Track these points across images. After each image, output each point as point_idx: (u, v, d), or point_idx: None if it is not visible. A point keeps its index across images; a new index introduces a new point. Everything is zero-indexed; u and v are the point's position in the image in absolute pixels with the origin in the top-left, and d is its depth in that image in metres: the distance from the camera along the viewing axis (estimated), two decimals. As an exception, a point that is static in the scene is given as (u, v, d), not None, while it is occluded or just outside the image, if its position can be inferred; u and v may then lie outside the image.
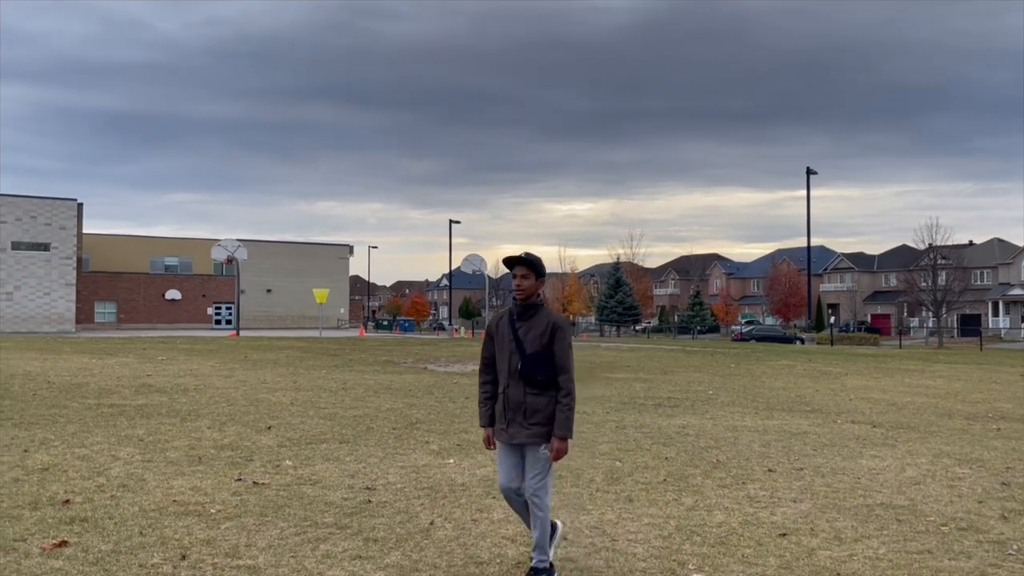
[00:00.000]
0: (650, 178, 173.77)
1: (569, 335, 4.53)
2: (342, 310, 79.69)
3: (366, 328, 74.11)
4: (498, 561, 4.92)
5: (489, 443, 4.64)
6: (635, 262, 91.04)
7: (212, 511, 5.96)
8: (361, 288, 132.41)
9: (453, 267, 73.25)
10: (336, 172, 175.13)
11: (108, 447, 8.42)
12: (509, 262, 4.58)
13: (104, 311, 66.57)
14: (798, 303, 77.50)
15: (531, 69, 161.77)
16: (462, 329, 66.03)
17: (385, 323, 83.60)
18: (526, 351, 4.45)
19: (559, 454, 4.43)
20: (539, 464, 4.45)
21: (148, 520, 5.66)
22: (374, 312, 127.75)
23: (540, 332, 4.45)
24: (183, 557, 4.86)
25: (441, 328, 78.01)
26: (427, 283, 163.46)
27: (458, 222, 71.05)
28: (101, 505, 6.05)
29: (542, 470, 4.46)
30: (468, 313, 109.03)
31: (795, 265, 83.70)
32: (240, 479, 7.04)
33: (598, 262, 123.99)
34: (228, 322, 69.74)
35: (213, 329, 65.81)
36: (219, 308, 71.47)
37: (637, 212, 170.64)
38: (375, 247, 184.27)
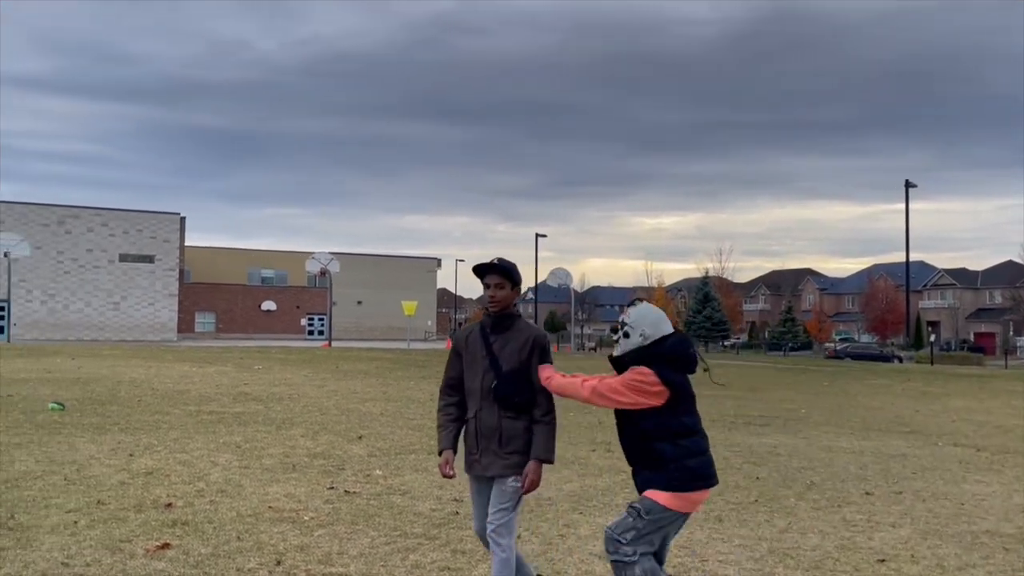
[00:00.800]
0: (740, 191, 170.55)
1: (551, 350, 4.07)
2: (429, 322, 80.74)
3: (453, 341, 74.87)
4: (585, 578, 4.90)
5: (448, 467, 3.99)
6: (724, 276, 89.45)
7: (306, 518, 6.11)
8: (448, 301, 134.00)
9: (539, 280, 73.45)
10: (424, 186, 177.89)
11: (207, 453, 8.74)
12: (479, 270, 4.02)
13: (204, 321, 69.18)
14: (896, 320, 74.73)
15: (618, 82, 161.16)
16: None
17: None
18: (502, 368, 3.90)
19: (533, 484, 3.87)
20: (506, 497, 3.87)
21: (245, 525, 5.84)
22: (460, 324, 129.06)
23: (518, 347, 3.92)
24: (278, 563, 5.00)
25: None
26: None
27: (544, 235, 71.19)
28: (201, 509, 6.28)
29: (509, 504, 3.87)
30: (553, 327, 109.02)
31: (893, 281, 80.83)
32: (332, 487, 7.20)
33: (686, 276, 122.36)
34: (320, 332, 71.51)
35: (306, 339, 67.58)
36: (312, 319, 73.41)
37: (726, 225, 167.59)
38: (462, 260, 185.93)
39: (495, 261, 4.02)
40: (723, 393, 19.43)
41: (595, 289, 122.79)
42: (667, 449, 3.75)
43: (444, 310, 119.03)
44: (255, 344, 47.52)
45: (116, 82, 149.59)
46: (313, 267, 52.43)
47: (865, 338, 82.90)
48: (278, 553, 5.19)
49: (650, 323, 3.89)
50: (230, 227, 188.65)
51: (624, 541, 3.74)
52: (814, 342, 79.70)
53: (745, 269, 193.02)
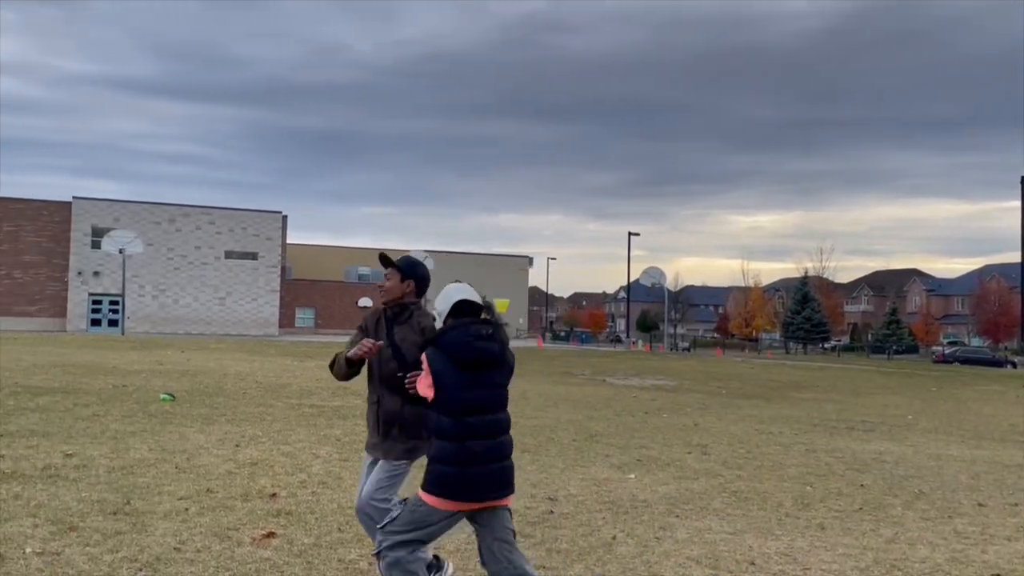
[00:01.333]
0: (842, 188, 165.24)
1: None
2: (521, 320, 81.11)
3: (544, 339, 75.01)
4: (683, 582, 4.83)
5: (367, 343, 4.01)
6: (824, 276, 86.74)
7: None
8: (539, 299, 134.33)
9: (631, 279, 72.82)
10: (516, 185, 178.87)
11: (309, 445, 8.99)
12: (380, 260, 4.29)
13: (304, 316, 71.22)
14: (1009, 323, 71.01)
15: (714, 78, 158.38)
16: (640, 342, 65.46)
17: (563, 334, 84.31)
18: (406, 358, 4.06)
19: None
20: (390, 475, 4.21)
21: (345, 517, 5.98)
22: (551, 323, 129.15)
23: (417, 339, 4.07)
24: (378, 555, 5.10)
25: (618, 341, 77.71)
26: (604, 295, 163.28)
27: (637, 234, 70.62)
28: (304, 500, 6.47)
29: (392, 483, 4.20)
30: (646, 326, 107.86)
31: (1006, 282, 76.80)
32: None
33: (784, 276, 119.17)
34: (414, 330, 72.64)
35: (400, 336, 68.77)
36: (407, 316, 74.68)
37: (827, 224, 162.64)
38: (554, 259, 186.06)
39: (382, 254, 4.26)
40: (823, 396, 18.87)
41: (688, 288, 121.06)
42: (430, 448, 3.72)
43: (535, 308, 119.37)
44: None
45: (222, 85, 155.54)
46: (408, 265, 53.36)
47: (975, 341, 79.09)
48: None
49: (441, 302, 3.83)
50: (329, 226, 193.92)
51: (388, 522, 3.83)
52: (920, 345, 76.53)
53: (847, 269, 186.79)
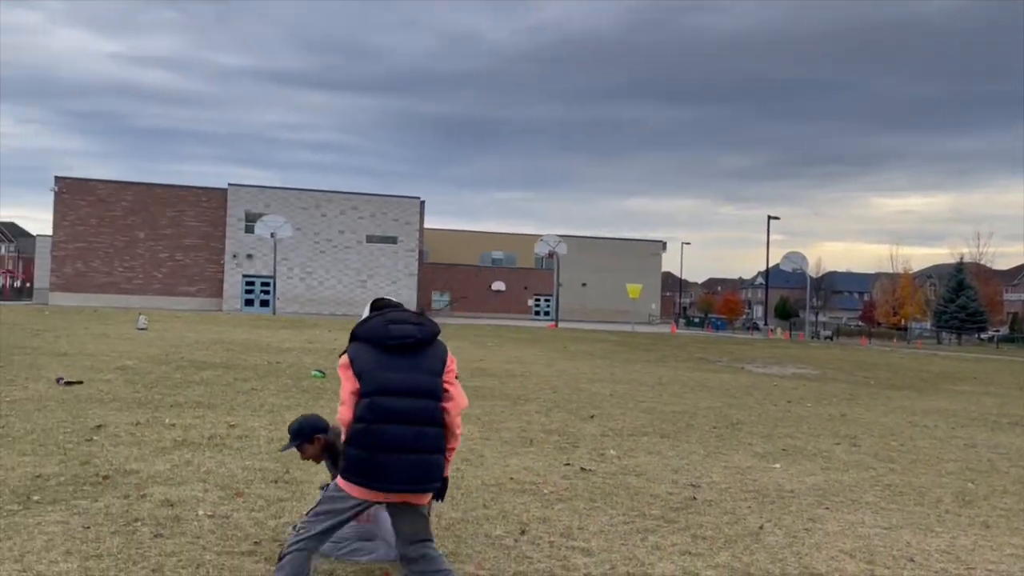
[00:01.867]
0: (999, 169, 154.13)
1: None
2: (653, 306, 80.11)
3: (677, 325, 73.88)
4: (836, 575, 4.68)
5: None
6: (981, 262, 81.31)
7: (545, 491, 6.30)
8: (672, 284, 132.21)
9: (770, 265, 70.53)
10: (648, 169, 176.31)
11: (451, 424, 9.23)
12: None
13: (439, 300, 73.01)
14: None
15: (857, 55, 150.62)
16: (778, 330, 63.40)
17: (696, 320, 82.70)
18: None
19: None
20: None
21: (490, 494, 6.12)
22: (684, 309, 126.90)
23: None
24: (522, 532, 5.20)
25: (755, 328, 75.47)
26: (740, 281, 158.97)
27: (777, 218, 68.40)
28: (450, 476, 6.65)
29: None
30: (784, 313, 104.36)
31: None
32: (569, 464, 7.37)
33: (936, 262, 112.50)
34: (546, 313, 73.18)
35: (533, 319, 69.43)
36: (538, 299, 75.25)
37: (983, 207, 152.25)
38: (688, 243, 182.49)
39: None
40: (982, 390, 17.75)
41: (831, 274, 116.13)
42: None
43: (668, 294, 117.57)
44: (486, 323, 49.51)
45: (363, 76, 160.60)
46: (542, 249, 53.71)
47: None
48: (522, 523, 5.40)
49: (363, 312, 3.84)
50: (463, 211, 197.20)
51: (301, 522, 3.70)
52: (1091, 337, 70.54)
53: (1006, 255, 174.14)
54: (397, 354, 3.57)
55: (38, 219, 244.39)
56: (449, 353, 3.78)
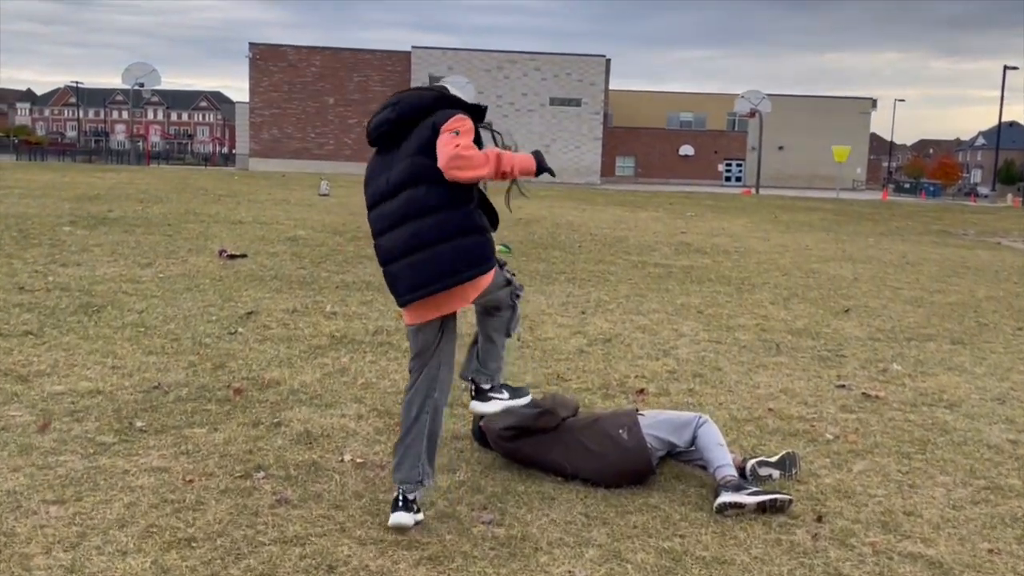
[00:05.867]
0: None
1: None
2: (859, 170, 73.45)
3: (887, 191, 67.28)
4: None
5: None
6: None
7: (826, 435, 4.36)
8: (878, 147, 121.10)
9: (1002, 120, 62.05)
10: (847, 18, 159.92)
11: (666, 317, 7.37)
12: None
13: (624, 165, 70.05)
14: None
15: None
16: (1009, 196, 56.10)
17: (907, 186, 75.17)
18: None
19: None
20: None
21: (746, 439, 4.27)
22: (890, 173, 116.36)
23: None
24: (818, 519, 3.33)
25: (976, 194, 67.35)
26: (957, 142, 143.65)
27: (1015, 67, 59.34)
28: (682, 402, 4.84)
29: None
30: (1010, 178, 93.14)
31: None
32: (843, 385, 5.35)
33: None
34: (738, 179, 68.77)
35: (723, 186, 65.32)
36: (729, 164, 70.60)
37: None
38: (902, 100, 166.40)
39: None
40: None
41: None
42: None
43: (873, 157, 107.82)
44: (674, 189, 46.59)
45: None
46: (743, 107, 49.26)
47: None
48: (812, 499, 3.53)
49: None
50: (646, 72, 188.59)
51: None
52: None
53: None
54: (383, 152, 3.20)
55: (239, 88, 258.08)
56: (451, 117, 3.03)
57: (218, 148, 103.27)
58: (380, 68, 57.03)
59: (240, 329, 6.07)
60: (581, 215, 19.31)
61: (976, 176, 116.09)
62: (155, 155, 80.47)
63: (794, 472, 3.77)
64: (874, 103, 75.85)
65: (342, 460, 3.77)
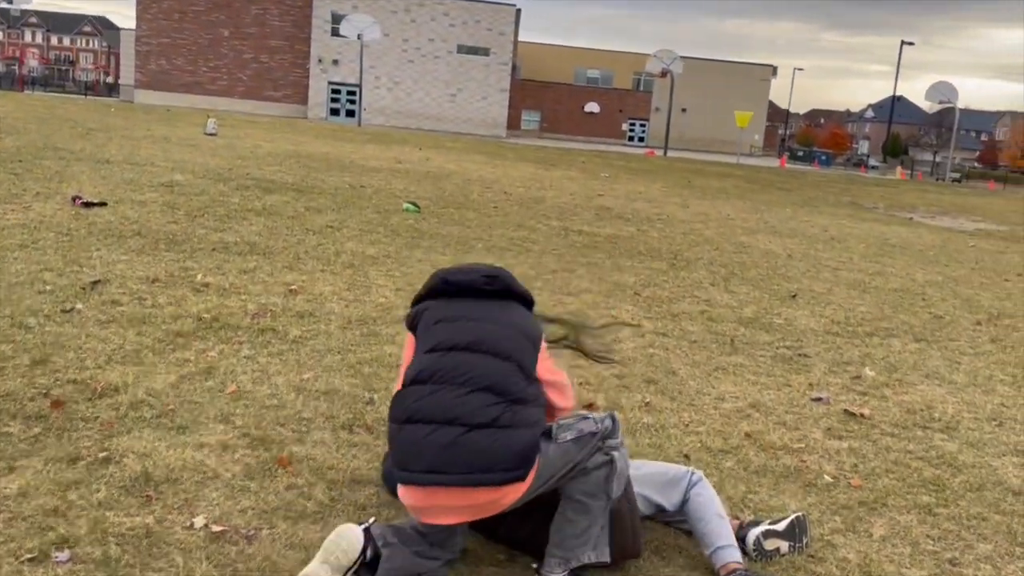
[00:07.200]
0: None
1: None
2: (757, 136, 74.62)
3: (781, 158, 68.54)
4: None
5: None
6: None
7: (824, 476, 3.49)
8: (773, 115, 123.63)
9: (896, 95, 63.82)
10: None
11: (601, 300, 6.42)
12: None
13: (529, 119, 68.85)
14: None
15: None
16: (898, 169, 57.91)
17: (800, 154, 76.85)
18: None
19: None
20: None
21: (727, 475, 3.35)
22: (783, 141, 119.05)
23: None
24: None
25: (865, 165, 69.23)
26: (847, 113, 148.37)
27: (911, 43, 60.97)
28: (637, 421, 3.90)
29: None
30: (895, 151, 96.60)
31: None
32: (818, 398, 4.52)
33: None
34: (640, 139, 68.75)
35: (626, 145, 65.15)
36: (633, 124, 70.42)
37: None
38: (801, 69, 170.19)
39: None
40: None
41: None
42: None
43: (769, 124, 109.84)
44: (581, 147, 45.87)
45: None
46: (655, 67, 48.58)
47: None
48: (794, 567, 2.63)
49: None
50: (553, 26, 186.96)
51: None
52: None
53: None
54: None
55: (127, 15, 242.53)
56: None
57: (102, 77, 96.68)
58: (279, 1, 53.88)
59: (79, 305, 4.77)
60: (493, 171, 18.19)
61: (864, 147, 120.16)
62: (31, 81, 74.31)
63: (805, 541, 2.88)
64: (774, 70, 76.93)
65: (191, 526, 2.65)
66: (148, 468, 2.98)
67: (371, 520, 2.52)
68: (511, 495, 2.36)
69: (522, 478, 2.34)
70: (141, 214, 7.89)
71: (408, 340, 2.66)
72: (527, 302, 2.74)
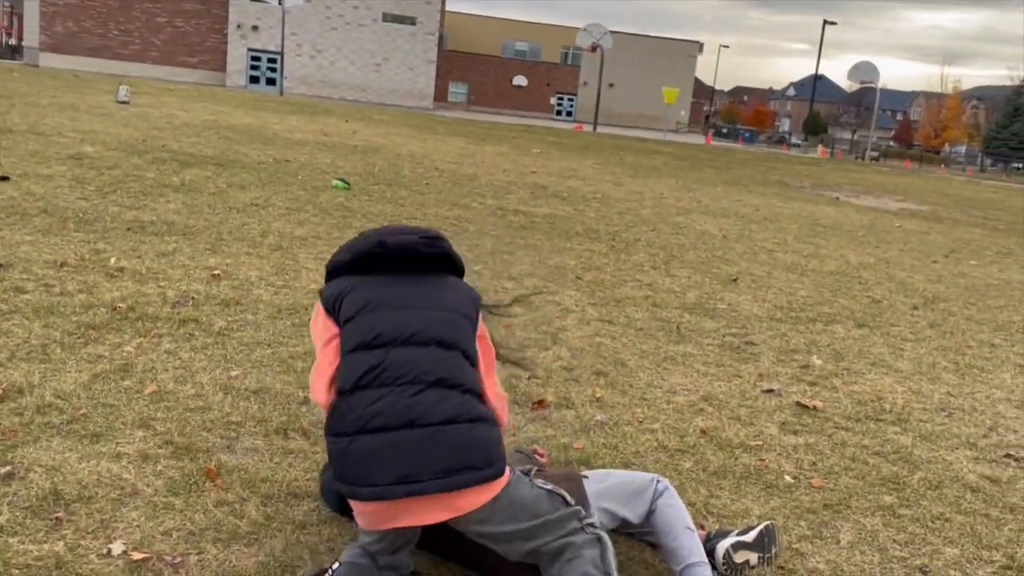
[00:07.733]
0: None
1: None
2: (683, 113, 75.45)
3: (706, 134, 69.52)
4: None
5: None
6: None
7: (784, 476, 3.37)
8: (698, 91, 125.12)
9: (818, 73, 65.24)
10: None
11: (544, 284, 6.22)
12: None
13: (456, 91, 68.07)
14: None
15: None
16: (819, 147, 59.32)
17: (724, 131, 78.07)
18: None
19: None
20: None
21: (687, 477, 3.20)
22: (708, 117, 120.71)
23: None
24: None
25: (787, 143, 70.77)
26: (770, 91, 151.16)
27: (834, 23, 62.33)
28: (588, 417, 3.71)
29: None
30: (815, 129, 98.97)
31: None
32: (769, 390, 4.42)
33: (979, 84, 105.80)
34: (568, 114, 68.72)
35: (554, 119, 65.05)
36: (561, 99, 70.34)
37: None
38: (727, 46, 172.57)
39: None
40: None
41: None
42: None
43: (695, 100, 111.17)
44: (508, 120, 45.54)
45: None
46: (584, 40, 48.33)
47: None
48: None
49: None
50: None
51: None
52: None
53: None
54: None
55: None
56: None
57: (4, 39, 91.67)
58: (196, -37, 51.73)
59: (-23, 294, 4.34)
60: (423, 145, 17.77)
61: (786, 125, 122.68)
62: (-76, 41, 69.97)
63: (774, 551, 2.73)
64: (701, 47, 77.76)
65: (107, 553, 2.35)
66: (57, 484, 2.66)
67: (335, 566, 2.26)
68: (488, 493, 2.18)
69: (502, 472, 2.20)
70: (47, 189, 7.33)
71: (323, 321, 2.39)
72: (460, 270, 2.55)
